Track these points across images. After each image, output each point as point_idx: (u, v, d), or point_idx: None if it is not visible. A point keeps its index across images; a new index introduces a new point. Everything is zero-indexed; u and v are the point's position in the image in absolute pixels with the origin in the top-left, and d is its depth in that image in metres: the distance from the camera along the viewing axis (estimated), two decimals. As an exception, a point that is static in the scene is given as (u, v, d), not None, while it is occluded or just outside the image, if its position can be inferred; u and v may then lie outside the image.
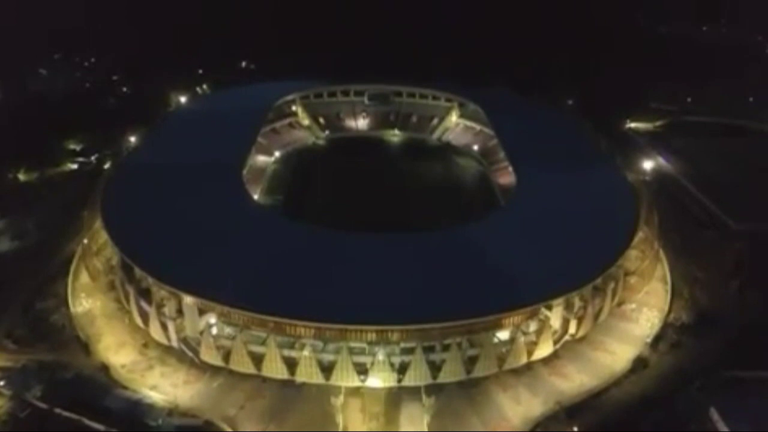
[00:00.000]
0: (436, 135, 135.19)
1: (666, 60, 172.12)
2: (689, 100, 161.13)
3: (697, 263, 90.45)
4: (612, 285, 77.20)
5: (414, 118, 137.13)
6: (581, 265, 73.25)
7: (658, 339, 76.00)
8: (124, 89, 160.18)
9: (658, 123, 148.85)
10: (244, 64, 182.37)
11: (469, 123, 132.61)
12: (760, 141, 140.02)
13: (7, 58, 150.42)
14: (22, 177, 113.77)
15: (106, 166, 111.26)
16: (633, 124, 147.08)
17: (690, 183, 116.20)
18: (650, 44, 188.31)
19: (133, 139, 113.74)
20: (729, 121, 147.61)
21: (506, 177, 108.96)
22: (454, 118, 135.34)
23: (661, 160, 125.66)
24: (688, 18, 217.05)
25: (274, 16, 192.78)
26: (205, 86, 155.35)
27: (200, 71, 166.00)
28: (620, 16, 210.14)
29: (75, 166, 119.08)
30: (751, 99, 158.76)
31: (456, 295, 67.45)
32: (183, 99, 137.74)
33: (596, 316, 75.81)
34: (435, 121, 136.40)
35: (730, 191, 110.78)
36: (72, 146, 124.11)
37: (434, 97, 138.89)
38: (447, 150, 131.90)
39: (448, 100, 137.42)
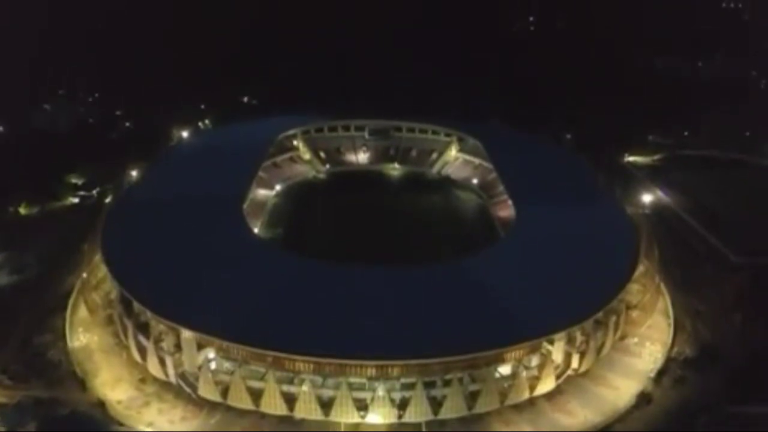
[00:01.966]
0: (435, 169, 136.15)
1: (662, 94, 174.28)
2: (686, 133, 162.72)
3: (699, 296, 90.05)
4: (614, 319, 76.62)
5: (414, 153, 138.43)
6: (583, 299, 72.89)
7: (661, 374, 74.99)
8: (127, 124, 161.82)
9: (656, 157, 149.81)
10: (246, 99, 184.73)
11: (468, 157, 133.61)
12: (758, 174, 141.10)
13: (11, 93, 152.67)
14: (23, 211, 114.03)
15: (107, 200, 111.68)
16: (631, 158, 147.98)
17: (689, 216, 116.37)
18: (647, 79, 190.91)
19: (134, 173, 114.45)
20: (726, 154, 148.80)
21: (506, 210, 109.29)
22: (453, 152, 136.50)
23: (660, 194, 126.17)
24: (684, 53, 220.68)
25: (275, 52, 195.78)
26: (207, 121, 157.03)
27: (202, 106, 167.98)
28: (617, 51, 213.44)
29: (76, 200, 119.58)
30: (747, 133, 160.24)
31: (457, 329, 66.85)
32: (185, 134, 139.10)
33: (599, 351, 75.04)
34: (434, 155, 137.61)
35: (729, 224, 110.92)
36: (74, 180, 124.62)
37: (434, 132, 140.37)
38: (447, 183, 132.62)
39: (447, 134, 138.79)
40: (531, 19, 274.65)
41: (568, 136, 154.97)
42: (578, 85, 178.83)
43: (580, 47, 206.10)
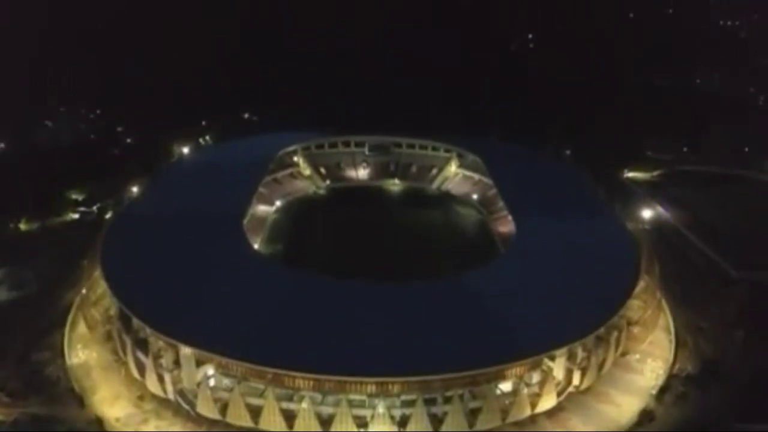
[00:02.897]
0: (435, 184, 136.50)
1: (662, 111, 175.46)
2: (685, 149, 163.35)
3: (700, 313, 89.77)
4: (615, 335, 76.28)
5: (414, 168, 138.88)
6: (584, 315, 72.62)
7: (663, 390, 74.52)
8: (128, 140, 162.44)
9: (655, 173, 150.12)
10: (246, 115, 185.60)
11: (468, 173, 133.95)
12: (758, 189, 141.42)
13: (12, 109, 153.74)
14: (23, 227, 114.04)
15: (108, 216, 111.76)
16: (631, 174, 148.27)
17: (689, 232, 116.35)
18: (647, 95, 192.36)
19: (135, 189, 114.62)
20: (725, 170, 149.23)
21: (506, 225, 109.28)
22: (453, 168, 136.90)
23: (660, 210, 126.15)
24: (684, 70, 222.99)
25: (276, 68, 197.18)
26: (207, 137, 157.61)
27: (203, 122, 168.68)
28: (617, 68, 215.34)
29: (76, 216, 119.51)
30: (746, 149, 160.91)
31: (457, 345, 66.55)
32: (185, 150, 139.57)
33: (600, 367, 74.61)
34: (434, 170, 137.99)
35: (729, 239, 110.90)
36: (74, 196, 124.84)
37: (433, 148, 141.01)
38: (447, 199, 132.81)
39: (447, 150, 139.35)
40: (530, 36, 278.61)
41: (568, 152, 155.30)
42: (578, 101, 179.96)
43: (579, 64, 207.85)
